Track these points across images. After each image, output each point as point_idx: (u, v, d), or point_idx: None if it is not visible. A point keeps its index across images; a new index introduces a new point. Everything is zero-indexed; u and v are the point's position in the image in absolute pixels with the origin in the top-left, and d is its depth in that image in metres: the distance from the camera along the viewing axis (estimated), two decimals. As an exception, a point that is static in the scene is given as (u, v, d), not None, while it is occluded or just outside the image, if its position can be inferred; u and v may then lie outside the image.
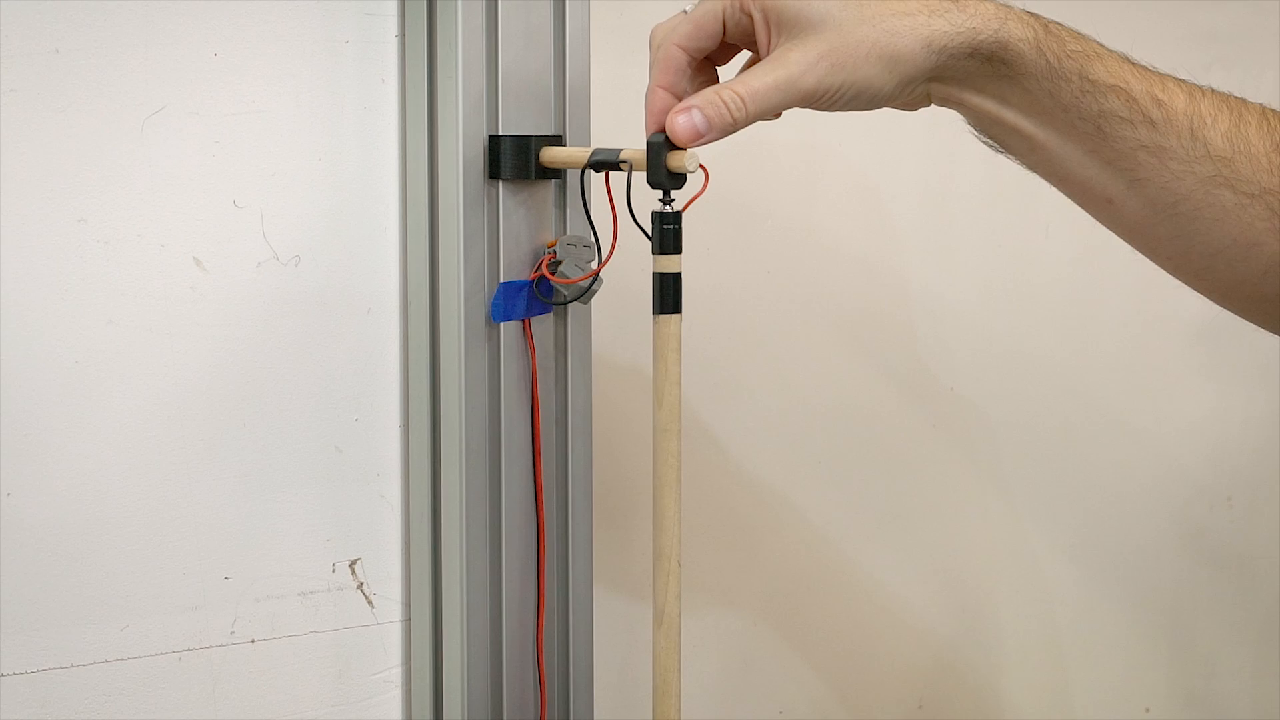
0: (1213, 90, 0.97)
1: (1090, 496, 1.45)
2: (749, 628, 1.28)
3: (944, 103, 0.98)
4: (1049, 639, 1.44)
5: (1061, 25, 0.97)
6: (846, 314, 1.31)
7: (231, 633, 1.01)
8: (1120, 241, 1.44)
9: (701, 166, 0.95)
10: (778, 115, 0.95)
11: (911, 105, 0.99)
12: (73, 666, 0.97)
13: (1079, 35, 0.97)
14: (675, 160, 0.94)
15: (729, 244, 1.24)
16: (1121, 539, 1.46)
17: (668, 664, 0.96)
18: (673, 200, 0.95)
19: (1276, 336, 0.99)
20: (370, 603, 1.05)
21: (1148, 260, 1.46)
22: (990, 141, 1.00)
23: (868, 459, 1.33)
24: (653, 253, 0.95)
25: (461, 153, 0.98)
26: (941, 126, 1.33)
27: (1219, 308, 1.52)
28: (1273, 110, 0.97)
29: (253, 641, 1.02)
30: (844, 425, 1.32)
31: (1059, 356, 1.42)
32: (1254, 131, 0.95)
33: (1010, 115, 0.97)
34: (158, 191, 0.96)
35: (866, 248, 1.32)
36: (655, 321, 0.95)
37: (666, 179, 0.94)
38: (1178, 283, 1.47)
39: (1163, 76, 0.96)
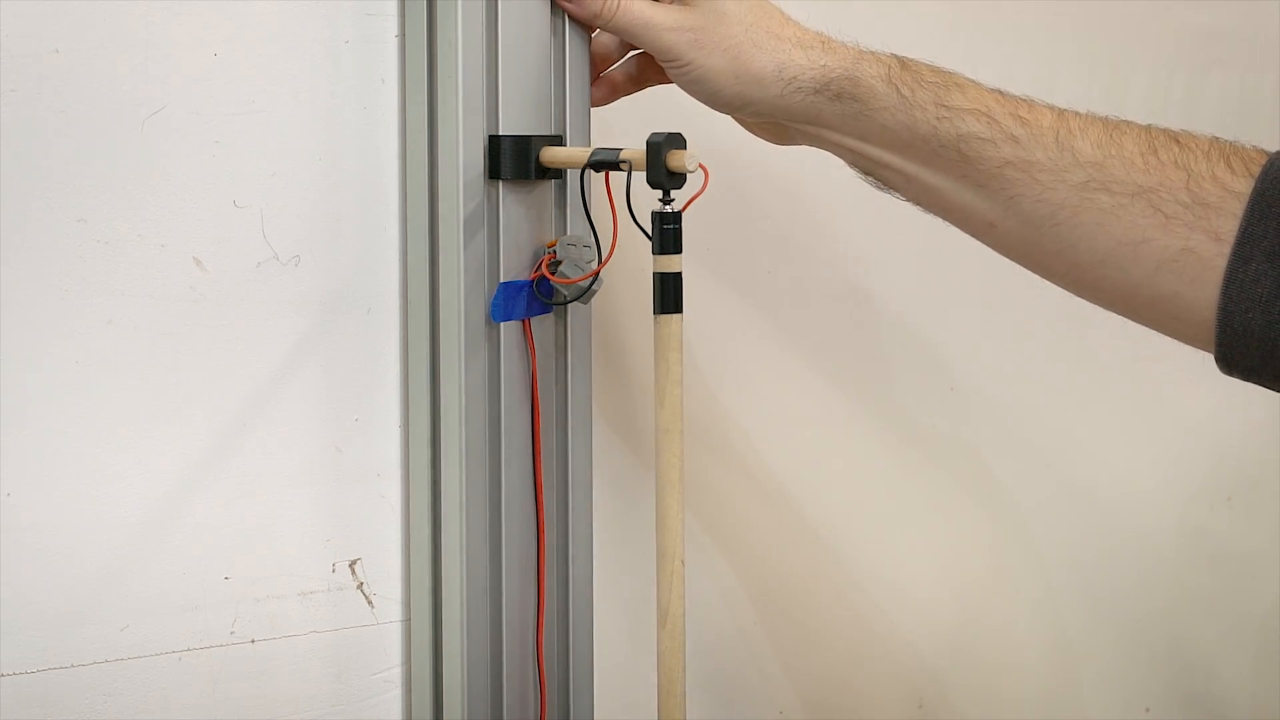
0: (1089, 112, 0.98)
1: (1090, 496, 1.45)
2: (749, 628, 1.28)
3: (813, 143, 1.02)
4: (1049, 639, 1.44)
5: (921, 62, 0.99)
6: (846, 313, 1.31)
7: (231, 633, 1.01)
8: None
9: (701, 166, 0.95)
10: (631, 60, 1.04)
11: (773, 136, 1.04)
12: (73, 666, 0.97)
13: (939, 69, 0.99)
14: (675, 160, 0.94)
15: (729, 244, 1.24)
16: (1121, 539, 1.46)
17: (672, 664, 0.96)
18: (673, 200, 0.95)
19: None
20: (370, 603, 1.05)
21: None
22: (870, 180, 1.02)
23: (868, 459, 1.33)
24: (653, 253, 0.95)
25: (461, 153, 0.98)
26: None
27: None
28: (1160, 128, 0.97)
29: (253, 641, 1.02)
30: (844, 425, 1.32)
31: (1059, 356, 1.42)
32: (1128, 139, 0.96)
33: (874, 151, 0.99)
34: (158, 191, 0.96)
35: (867, 247, 1.32)
36: (656, 321, 0.95)
37: (666, 179, 0.94)
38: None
39: (1031, 101, 0.98)
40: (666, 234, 0.95)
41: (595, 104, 1.05)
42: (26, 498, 0.94)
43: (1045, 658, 1.44)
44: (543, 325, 1.02)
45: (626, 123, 1.09)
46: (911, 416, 1.35)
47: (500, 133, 0.99)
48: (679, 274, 0.95)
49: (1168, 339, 1.47)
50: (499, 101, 0.99)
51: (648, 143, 0.94)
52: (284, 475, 1.02)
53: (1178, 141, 0.95)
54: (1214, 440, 1.50)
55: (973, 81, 0.99)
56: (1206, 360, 1.49)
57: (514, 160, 0.99)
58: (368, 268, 1.03)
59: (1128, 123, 0.97)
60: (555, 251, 1.01)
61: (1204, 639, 1.51)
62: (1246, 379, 0.96)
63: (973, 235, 1.00)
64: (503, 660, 1.02)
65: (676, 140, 0.94)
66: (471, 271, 0.99)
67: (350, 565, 1.04)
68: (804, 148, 1.05)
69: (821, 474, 1.31)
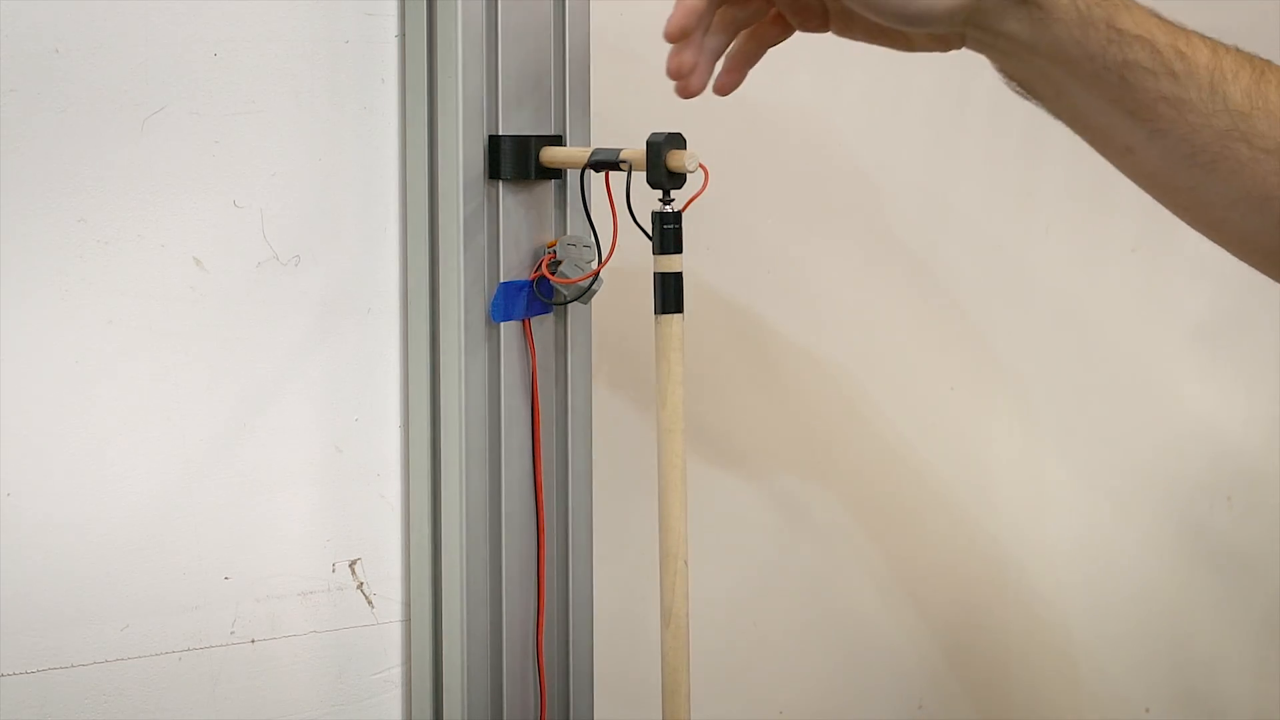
0: (1237, 49, 0.99)
1: (1090, 496, 1.45)
2: (749, 628, 1.28)
3: (977, 43, 1.00)
4: (1049, 639, 1.44)
5: None
6: (846, 314, 1.31)
7: (231, 633, 1.01)
8: (1120, 242, 1.45)
9: (701, 166, 0.95)
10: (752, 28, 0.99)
11: (944, 43, 1.01)
12: (73, 666, 0.97)
13: None
14: (675, 160, 0.94)
15: (729, 244, 1.24)
16: (1122, 538, 1.46)
17: (676, 663, 0.96)
18: (673, 200, 0.95)
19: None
20: (370, 603, 1.05)
21: (1148, 260, 1.47)
22: (1017, 86, 1.02)
23: (868, 458, 1.33)
24: (653, 252, 0.95)
25: (461, 153, 0.98)
26: (942, 126, 1.34)
27: (1219, 307, 1.52)
28: None
29: (253, 641, 1.02)
30: (844, 425, 1.32)
31: (1059, 356, 1.42)
32: (1274, 90, 0.98)
33: (1039, 62, 0.98)
34: (158, 191, 0.96)
35: (866, 247, 1.32)
36: (657, 321, 0.95)
37: (666, 179, 0.94)
38: (1178, 283, 1.47)
39: (1188, 31, 0.98)
40: (666, 234, 0.95)
41: (727, 90, 1.01)
42: (26, 498, 0.94)
43: (1045, 658, 1.44)
44: (543, 325, 1.02)
45: (627, 123, 1.09)
46: (911, 416, 1.35)
47: (500, 133, 0.99)
48: (679, 274, 0.95)
49: (1168, 339, 1.47)
50: (499, 101, 0.99)
51: (648, 143, 0.94)
52: (284, 475, 1.02)
53: None
54: (1214, 440, 1.50)
55: (1137, 2, 0.99)
56: (1206, 359, 1.49)
57: (514, 160, 0.99)
58: (368, 268, 1.03)
59: (1270, 66, 0.98)
60: (555, 251, 1.01)
61: (1204, 639, 1.51)
62: None
63: (1104, 154, 1.01)
64: (503, 660, 1.02)
65: (676, 140, 0.94)
66: (471, 271, 0.99)
67: (350, 565, 1.04)
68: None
69: (821, 473, 1.31)
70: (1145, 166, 0.99)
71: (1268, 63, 0.99)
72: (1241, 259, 1.02)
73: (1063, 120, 1.02)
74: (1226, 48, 0.98)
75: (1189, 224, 1.02)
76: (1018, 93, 1.03)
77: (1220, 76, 0.97)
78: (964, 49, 1.02)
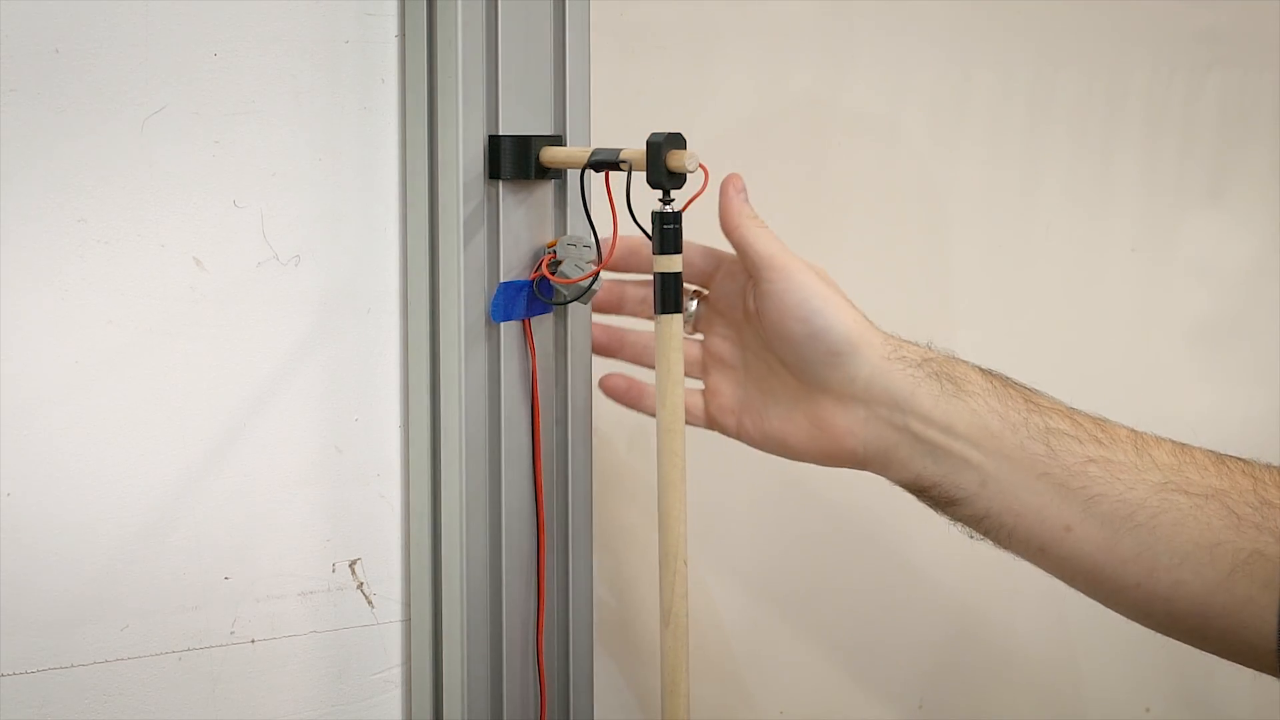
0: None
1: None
2: (749, 628, 1.28)
3: (883, 435, 1.01)
4: (1049, 639, 1.44)
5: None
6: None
7: (231, 633, 1.01)
8: (1120, 241, 1.45)
9: (701, 166, 0.95)
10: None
11: (824, 442, 1.04)
12: (73, 666, 0.97)
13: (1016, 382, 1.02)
14: (675, 160, 0.94)
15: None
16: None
17: (676, 663, 0.96)
18: (673, 200, 0.95)
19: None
20: (370, 603, 1.05)
21: (1147, 260, 1.47)
22: (928, 497, 1.02)
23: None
24: (653, 252, 0.95)
25: (461, 153, 0.98)
26: (942, 126, 1.34)
27: (1219, 307, 1.52)
28: (1215, 453, 0.99)
29: (253, 641, 1.02)
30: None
31: (1058, 356, 1.42)
32: (1197, 451, 0.98)
33: (958, 445, 0.99)
34: (158, 191, 0.96)
35: (866, 247, 1.32)
36: (657, 321, 0.95)
37: (666, 178, 0.94)
38: (1178, 283, 1.47)
39: (1103, 418, 1.00)
40: (666, 234, 0.95)
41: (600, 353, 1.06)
42: (26, 498, 0.94)
43: (1045, 657, 1.44)
44: (543, 325, 1.02)
45: (627, 123, 1.09)
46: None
47: (500, 133, 0.99)
48: (679, 274, 0.95)
49: (1168, 339, 1.47)
50: (499, 101, 0.99)
51: (648, 143, 0.94)
52: (284, 475, 1.02)
53: (1241, 458, 0.98)
54: (1214, 440, 1.50)
55: (1044, 394, 1.01)
56: (1206, 359, 1.49)
57: (514, 160, 0.99)
58: (368, 268, 1.03)
59: (1192, 446, 0.99)
60: (555, 251, 1.01)
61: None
62: None
63: (1039, 546, 0.99)
64: (503, 660, 1.02)
65: (676, 140, 0.94)
66: (471, 271, 0.99)
67: (350, 565, 1.04)
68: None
69: (821, 473, 1.31)
70: (1087, 544, 0.97)
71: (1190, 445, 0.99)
72: (1200, 637, 0.98)
73: (986, 520, 1.00)
74: (1145, 432, 0.99)
75: (1133, 614, 1.00)
76: (934, 509, 1.02)
77: (1142, 441, 0.98)
78: (869, 470, 1.03)
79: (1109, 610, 1.47)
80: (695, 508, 1.18)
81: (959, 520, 1.01)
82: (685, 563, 0.95)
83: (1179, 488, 0.96)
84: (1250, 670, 1.07)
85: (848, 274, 1.31)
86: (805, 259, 1.02)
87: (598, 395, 1.07)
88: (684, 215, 0.95)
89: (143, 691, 0.99)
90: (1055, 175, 1.39)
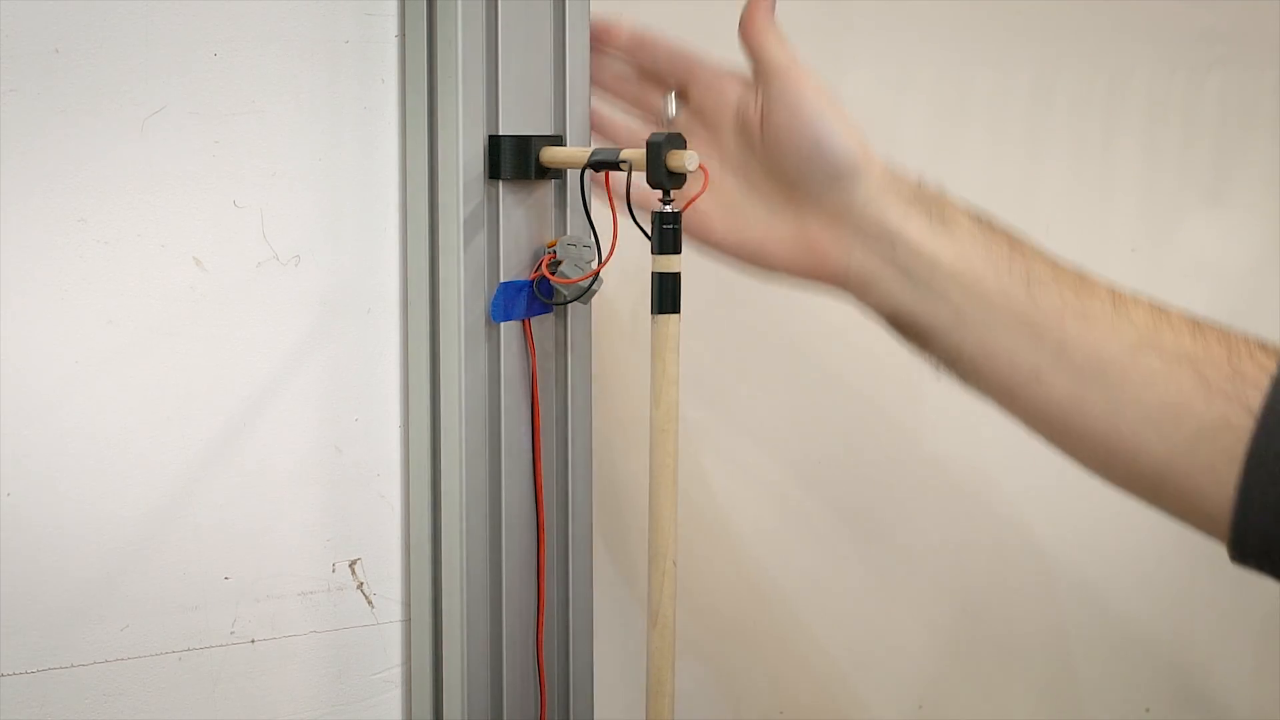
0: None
1: (1091, 495, 1.45)
2: (749, 628, 1.28)
3: (867, 265, 1.00)
4: (1049, 639, 1.44)
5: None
6: (846, 314, 1.31)
7: (231, 633, 1.01)
8: (1120, 241, 1.45)
9: (702, 166, 0.95)
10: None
11: (809, 257, 1.02)
12: (73, 666, 0.97)
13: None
14: (675, 160, 0.94)
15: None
16: (1121, 538, 1.46)
17: (662, 664, 0.96)
18: (672, 200, 0.95)
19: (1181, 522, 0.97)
20: (370, 603, 1.05)
21: (1147, 260, 1.46)
22: (904, 333, 1.01)
23: (868, 458, 1.33)
24: (652, 252, 0.95)
25: (461, 153, 0.98)
26: (942, 125, 1.34)
27: (1219, 307, 1.52)
28: (1193, 318, 0.98)
29: (253, 641, 1.02)
30: (844, 424, 1.32)
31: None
32: (1174, 313, 0.97)
33: (940, 281, 0.98)
34: (158, 191, 0.97)
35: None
36: (654, 321, 0.95)
37: (666, 179, 0.94)
38: (1178, 283, 1.47)
39: (1083, 270, 0.99)
40: (666, 234, 0.95)
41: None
42: (26, 498, 0.95)
43: (1045, 658, 1.44)
44: (543, 325, 1.02)
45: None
46: (911, 415, 1.35)
47: (500, 133, 0.99)
48: (677, 274, 0.95)
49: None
50: (499, 101, 0.99)
51: (648, 143, 0.94)
52: (284, 475, 1.02)
53: (1219, 326, 0.96)
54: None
55: (1029, 240, 1.00)
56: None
57: (514, 160, 0.99)
58: (368, 268, 1.03)
59: (1171, 309, 0.98)
60: (555, 251, 1.01)
61: (1204, 639, 1.51)
62: (1259, 567, 0.94)
63: (1008, 390, 0.98)
64: (503, 660, 1.03)
65: (676, 140, 0.94)
66: (471, 271, 0.99)
67: (350, 565, 1.04)
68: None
69: (821, 472, 1.31)
70: (1055, 392, 0.96)
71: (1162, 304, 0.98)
72: (1157, 497, 0.97)
73: (957, 363, 0.99)
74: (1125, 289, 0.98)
75: (1096, 468, 0.99)
76: (904, 340, 1.01)
77: (1120, 299, 0.97)
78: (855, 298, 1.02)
79: (1109, 610, 1.47)
80: (696, 506, 1.18)
81: (930, 355, 1.00)
82: (675, 563, 0.95)
83: (1153, 347, 0.95)
84: (1250, 669, 1.07)
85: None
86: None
87: (597, 395, 1.07)
88: (684, 215, 0.95)
89: (143, 691, 0.99)
90: (1055, 175, 1.39)
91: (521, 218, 1.01)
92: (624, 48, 1.04)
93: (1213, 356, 0.93)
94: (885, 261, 0.99)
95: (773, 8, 1.02)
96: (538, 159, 0.99)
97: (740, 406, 1.27)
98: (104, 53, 0.94)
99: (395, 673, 1.06)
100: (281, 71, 0.99)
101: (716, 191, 1.03)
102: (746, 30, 1.02)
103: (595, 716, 1.08)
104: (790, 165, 1.01)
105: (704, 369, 1.22)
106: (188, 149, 0.97)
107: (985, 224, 1.00)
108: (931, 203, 1.00)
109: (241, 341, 1.00)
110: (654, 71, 1.05)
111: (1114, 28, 1.40)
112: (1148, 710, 1.48)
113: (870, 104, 1.30)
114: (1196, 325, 0.95)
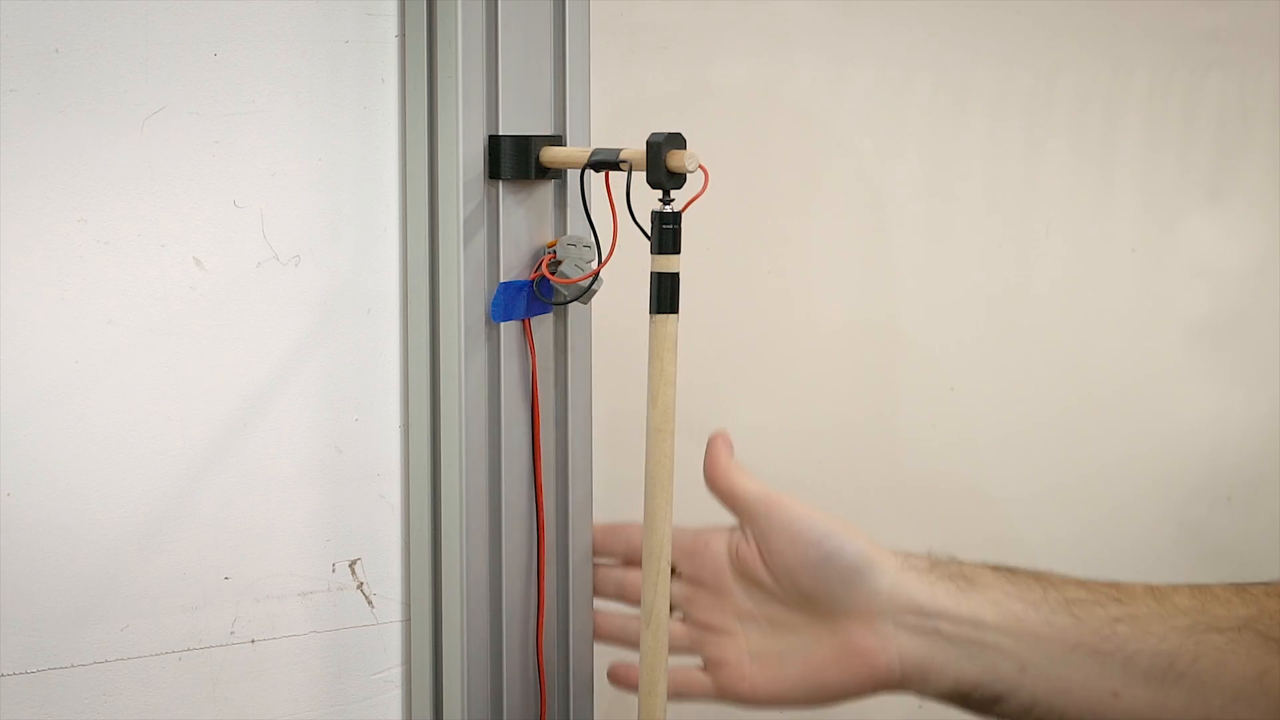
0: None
1: (1090, 496, 1.45)
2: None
3: (911, 654, 0.99)
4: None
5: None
6: (847, 313, 1.31)
7: (231, 633, 1.01)
8: (1120, 241, 1.45)
9: (701, 167, 0.95)
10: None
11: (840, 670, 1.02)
12: (73, 666, 0.97)
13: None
14: (675, 160, 0.94)
15: (729, 244, 1.24)
16: (1121, 538, 1.46)
17: (655, 664, 0.96)
18: (672, 200, 0.95)
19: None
20: (370, 603, 1.05)
21: (1147, 260, 1.46)
22: (979, 703, 1.00)
23: (868, 458, 1.33)
24: (651, 252, 0.95)
25: (461, 153, 0.98)
26: (942, 125, 1.34)
27: (1219, 307, 1.52)
28: (1234, 584, 0.98)
29: (253, 641, 1.02)
30: (844, 424, 1.32)
31: (1059, 356, 1.42)
32: (1215, 586, 0.97)
33: (989, 635, 0.98)
34: (158, 191, 0.96)
35: (866, 247, 1.32)
36: (652, 321, 0.95)
37: (666, 179, 0.94)
38: (1178, 283, 1.47)
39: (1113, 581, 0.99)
40: (665, 234, 0.95)
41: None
42: (26, 498, 0.94)
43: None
44: (543, 325, 1.02)
45: (627, 123, 1.09)
46: (910, 416, 1.35)
47: (500, 133, 0.99)
48: (676, 274, 0.95)
49: (1168, 339, 1.47)
50: (499, 101, 0.99)
51: (648, 143, 0.94)
52: (284, 475, 1.02)
53: (1262, 584, 0.96)
54: (1214, 440, 1.50)
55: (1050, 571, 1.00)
56: (1206, 359, 1.49)
57: (514, 160, 0.99)
58: (368, 268, 1.03)
59: (1210, 585, 0.98)
60: (555, 251, 1.01)
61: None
62: None
63: (1090, 716, 0.97)
64: (503, 660, 1.02)
65: (676, 140, 0.94)
66: (471, 271, 0.99)
67: (350, 565, 1.04)
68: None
69: (821, 472, 1.31)
70: (1138, 703, 0.96)
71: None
72: None
73: (1035, 712, 0.98)
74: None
75: None
76: (982, 712, 1.00)
77: (1159, 592, 0.97)
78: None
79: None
80: (696, 507, 1.18)
81: (1009, 715, 1.00)
82: (670, 563, 0.95)
83: (1210, 626, 0.95)
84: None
85: (848, 273, 1.31)
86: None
87: (597, 395, 1.07)
88: (684, 215, 0.95)
89: (143, 691, 0.99)
90: (1055, 175, 1.39)
91: (521, 218, 1.01)
92: (596, 546, 1.05)
93: (1267, 611, 0.94)
94: (930, 638, 0.99)
95: (730, 450, 1.04)
96: (538, 159, 0.99)
97: (738, 403, 1.26)
98: (104, 53, 0.94)
99: (395, 673, 1.06)
100: (281, 71, 0.99)
101: (746, 655, 1.03)
102: (713, 479, 1.04)
103: (595, 717, 1.08)
104: (807, 585, 1.01)
105: (704, 366, 1.22)
106: (188, 149, 0.97)
107: (1006, 570, 1.00)
108: (950, 569, 1.00)
109: (241, 341, 1.00)
110: (635, 558, 1.05)
111: (1114, 28, 1.40)
112: (1148, 710, 1.48)
113: (870, 104, 1.30)
114: (1240, 589, 0.96)
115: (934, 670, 0.99)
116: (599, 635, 1.06)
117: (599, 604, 1.06)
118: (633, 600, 1.05)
